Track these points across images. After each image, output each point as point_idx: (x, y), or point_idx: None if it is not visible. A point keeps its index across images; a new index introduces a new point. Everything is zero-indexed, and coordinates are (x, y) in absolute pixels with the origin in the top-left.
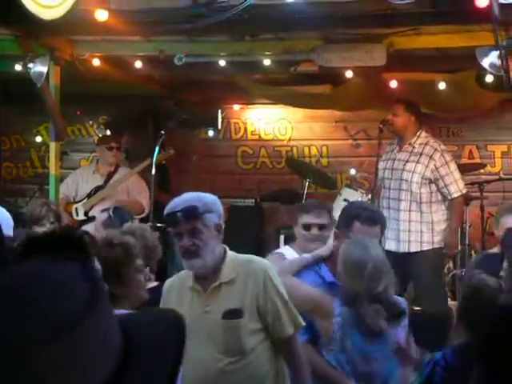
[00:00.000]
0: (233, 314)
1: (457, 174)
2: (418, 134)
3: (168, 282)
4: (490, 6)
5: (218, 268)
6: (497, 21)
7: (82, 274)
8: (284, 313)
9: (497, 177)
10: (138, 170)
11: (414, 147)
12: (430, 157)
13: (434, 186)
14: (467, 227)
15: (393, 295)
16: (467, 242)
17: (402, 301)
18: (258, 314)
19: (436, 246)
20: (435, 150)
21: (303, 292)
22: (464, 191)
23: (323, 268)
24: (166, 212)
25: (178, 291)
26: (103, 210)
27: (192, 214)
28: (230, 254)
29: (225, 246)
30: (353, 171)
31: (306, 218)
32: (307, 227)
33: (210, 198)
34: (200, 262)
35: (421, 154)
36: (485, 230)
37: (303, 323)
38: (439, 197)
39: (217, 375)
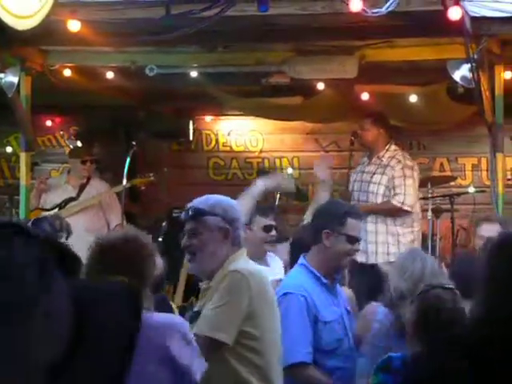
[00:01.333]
0: (193, 318)
1: (409, 190)
2: (387, 147)
3: None
4: (461, 19)
5: (216, 271)
6: (468, 34)
7: (25, 257)
8: (206, 312)
9: (467, 189)
10: (117, 190)
11: (382, 160)
12: (393, 168)
13: None
14: (437, 240)
15: None
16: (437, 254)
17: None
18: None
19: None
20: (399, 161)
21: None
22: (406, 208)
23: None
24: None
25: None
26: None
27: (193, 215)
28: (234, 259)
29: (239, 250)
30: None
31: (266, 221)
32: (268, 229)
33: (218, 200)
34: (196, 264)
35: (386, 166)
36: (455, 243)
37: (220, 339)
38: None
39: None
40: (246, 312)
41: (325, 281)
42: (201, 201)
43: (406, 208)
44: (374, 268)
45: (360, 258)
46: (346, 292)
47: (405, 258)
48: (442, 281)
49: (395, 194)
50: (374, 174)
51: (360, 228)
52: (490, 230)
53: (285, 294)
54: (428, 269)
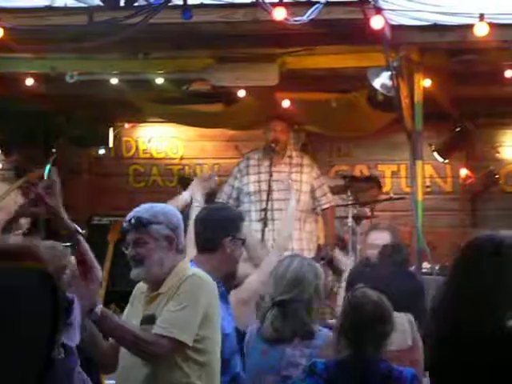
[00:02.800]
0: (147, 320)
1: (327, 188)
2: (290, 147)
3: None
4: (381, 28)
5: (164, 278)
6: (388, 42)
7: None
8: (168, 314)
9: (387, 196)
10: (15, 187)
11: (292, 158)
12: (311, 166)
13: (311, 197)
14: (357, 246)
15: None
16: (358, 258)
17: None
18: None
19: (311, 254)
20: (311, 161)
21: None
22: (333, 203)
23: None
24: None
25: (138, 293)
26: None
27: (138, 224)
28: (183, 266)
29: (184, 257)
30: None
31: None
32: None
33: (162, 209)
34: (141, 271)
35: (301, 165)
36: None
37: (183, 341)
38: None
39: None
40: (202, 314)
41: (222, 288)
42: (143, 210)
43: (334, 204)
44: None
45: None
46: None
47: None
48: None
49: (326, 193)
50: (291, 172)
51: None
52: (378, 238)
53: None
54: (289, 273)
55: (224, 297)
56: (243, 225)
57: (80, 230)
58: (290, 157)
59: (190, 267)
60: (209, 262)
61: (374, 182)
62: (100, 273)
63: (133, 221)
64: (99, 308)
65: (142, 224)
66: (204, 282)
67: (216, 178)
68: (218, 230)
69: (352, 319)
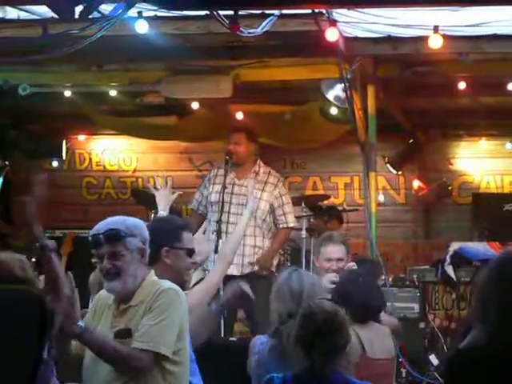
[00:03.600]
0: (122, 334)
1: (292, 207)
2: (258, 162)
3: (99, 293)
4: (336, 40)
5: (134, 291)
6: (342, 54)
7: None
8: (147, 328)
9: (340, 208)
10: None
11: (258, 175)
12: (275, 185)
13: (272, 216)
14: (312, 258)
15: None
16: (311, 271)
17: None
18: None
19: (273, 269)
20: (278, 179)
21: None
22: (296, 224)
23: None
24: (90, 234)
25: (100, 305)
26: None
27: (113, 237)
28: (151, 278)
29: (151, 270)
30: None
31: (192, 242)
32: (191, 253)
33: (133, 221)
34: (119, 284)
35: (266, 183)
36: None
37: (164, 353)
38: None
39: None
40: (178, 327)
41: None
42: (117, 223)
43: (295, 225)
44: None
45: (232, 270)
46: None
47: (281, 281)
48: (324, 295)
49: (285, 214)
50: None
51: (193, 240)
52: (335, 252)
53: None
54: (306, 286)
55: None
56: (188, 235)
57: (53, 246)
58: (256, 173)
59: (157, 280)
60: (155, 274)
61: (335, 215)
62: (66, 289)
63: (107, 233)
64: (82, 322)
65: (118, 237)
66: (178, 296)
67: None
68: (156, 240)
69: (304, 329)
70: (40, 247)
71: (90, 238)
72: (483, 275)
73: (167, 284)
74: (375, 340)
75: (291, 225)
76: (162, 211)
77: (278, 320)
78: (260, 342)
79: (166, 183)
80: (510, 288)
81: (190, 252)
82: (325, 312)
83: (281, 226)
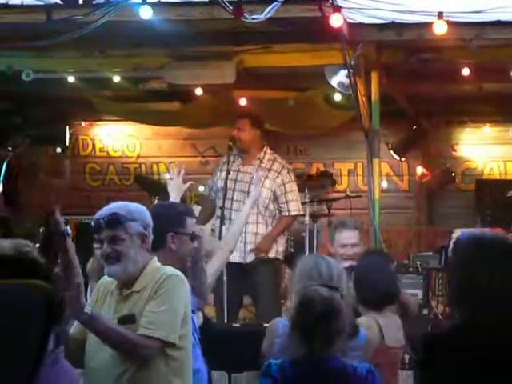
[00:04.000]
0: (126, 319)
1: (297, 195)
2: (265, 149)
3: (101, 280)
4: (340, 26)
5: (136, 277)
6: (345, 40)
7: None
8: (154, 314)
9: (343, 194)
10: None
11: (262, 162)
12: (279, 172)
13: (275, 203)
14: (315, 244)
15: None
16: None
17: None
18: None
19: (279, 256)
20: (283, 166)
21: None
22: (301, 212)
23: None
24: (93, 219)
25: (102, 291)
26: None
27: (114, 221)
28: (153, 264)
29: (153, 256)
30: (201, 188)
31: (195, 227)
32: (194, 238)
33: (135, 206)
34: (119, 268)
35: (269, 170)
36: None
37: (171, 340)
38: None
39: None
40: (183, 314)
41: None
42: (118, 207)
43: (301, 213)
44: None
45: (234, 258)
46: None
47: (307, 264)
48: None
49: (287, 202)
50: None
51: (195, 225)
52: (351, 237)
53: None
54: (335, 271)
55: None
56: (191, 220)
57: (69, 232)
58: (261, 160)
59: (160, 266)
60: (159, 260)
61: (328, 178)
62: (80, 276)
63: (108, 218)
64: (88, 309)
65: (118, 221)
66: (182, 282)
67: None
68: (160, 226)
69: (302, 315)
70: (60, 234)
71: (92, 223)
72: (455, 261)
73: (170, 270)
74: (390, 329)
75: (293, 213)
76: (174, 200)
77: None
78: (282, 325)
79: (179, 172)
80: (486, 273)
81: (193, 237)
82: (322, 298)
83: (283, 213)
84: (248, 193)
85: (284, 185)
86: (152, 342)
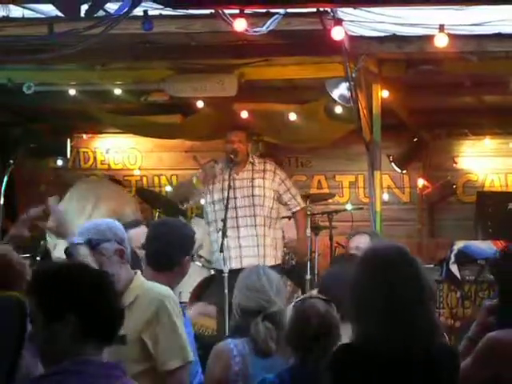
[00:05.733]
0: (119, 340)
1: (295, 190)
2: (251, 155)
3: None
4: (342, 39)
5: (122, 293)
6: (347, 53)
7: None
8: (171, 343)
9: (345, 207)
10: None
11: (254, 165)
12: (274, 172)
13: (277, 203)
14: (316, 256)
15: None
16: (316, 271)
17: None
18: (144, 342)
19: (278, 261)
20: (275, 166)
21: None
22: (303, 205)
23: None
24: (68, 243)
25: None
26: None
27: (89, 247)
28: (139, 279)
29: (136, 270)
30: (203, 201)
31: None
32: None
33: (105, 224)
34: None
35: (264, 171)
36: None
37: (192, 358)
38: (280, 214)
39: None
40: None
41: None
42: (88, 230)
43: (306, 205)
44: None
45: (247, 262)
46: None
47: (248, 276)
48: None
49: (294, 196)
50: (254, 178)
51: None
52: (359, 242)
53: None
54: (274, 284)
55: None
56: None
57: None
58: (253, 163)
59: (145, 281)
60: (166, 280)
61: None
62: None
63: (82, 244)
64: None
65: (91, 246)
66: (175, 303)
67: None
68: (180, 248)
69: (298, 331)
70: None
71: (64, 251)
72: (356, 274)
73: (160, 290)
74: None
75: (303, 205)
76: None
77: (243, 316)
78: (233, 346)
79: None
80: (388, 288)
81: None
82: (319, 316)
83: (294, 209)
84: (252, 196)
85: (284, 182)
86: (181, 370)
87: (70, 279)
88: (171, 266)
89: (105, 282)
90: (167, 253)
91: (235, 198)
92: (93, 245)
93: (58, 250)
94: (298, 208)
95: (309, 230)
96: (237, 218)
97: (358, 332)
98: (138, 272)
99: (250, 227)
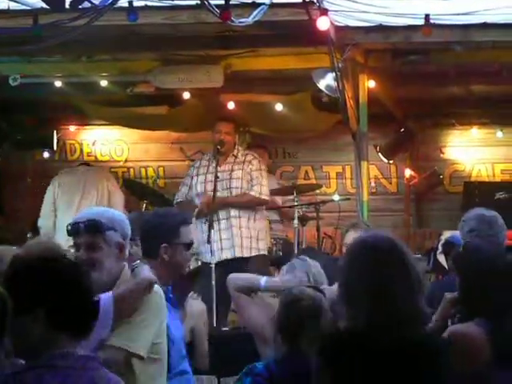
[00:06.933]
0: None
1: (265, 182)
2: (237, 147)
3: None
4: (327, 29)
5: (109, 287)
6: (333, 43)
7: None
8: (129, 328)
9: (332, 197)
10: None
11: (236, 157)
12: (249, 162)
13: None
14: (304, 247)
15: None
16: None
17: None
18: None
19: (262, 252)
20: (254, 157)
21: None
22: (264, 197)
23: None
24: (70, 222)
25: None
26: None
27: (93, 228)
28: (126, 273)
29: (125, 264)
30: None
31: (190, 235)
32: (189, 246)
33: (117, 215)
34: (93, 276)
35: (244, 162)
36: (321, 250)
37: (140, 354)
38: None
39: None
40: (158, 325)
41: (170, 295)
42: (98, 214)
43: (263, 197)
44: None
45: (225, 255)
46: (197, 307)
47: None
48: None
49: (253, 185)
50: (233, 170)
51: (191, 231)
52: (354, 238)
53: None
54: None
55: (171, 302)
56: (186, 229)
57: None
58: (235, 156)
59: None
60: (154, 269)
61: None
62: None
63: (87, 223)
64: None
65: (98, 229)
66: (162, 300)
67: None
68: (154, 237)
69: (289, 317)
70: None
71: (68, 227)
72: (346, 263)
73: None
74: None
75: (263, 197)
76: None
77: None
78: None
79: None
80: (376, 277)
81: (188, 246)
82: (309, 299)
83: (252, 192)
84: (230, 188)
85: (252, 172)
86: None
87: (41, 272)
88: (151, 255)
89: (78, 275)
90: (145, 243)
91: (210, 191)
92: (100, 228)
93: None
94: (252, 193)
95: (296, 221)
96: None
97: (346, 320)
98: (126, 265)
99: (228, 219)
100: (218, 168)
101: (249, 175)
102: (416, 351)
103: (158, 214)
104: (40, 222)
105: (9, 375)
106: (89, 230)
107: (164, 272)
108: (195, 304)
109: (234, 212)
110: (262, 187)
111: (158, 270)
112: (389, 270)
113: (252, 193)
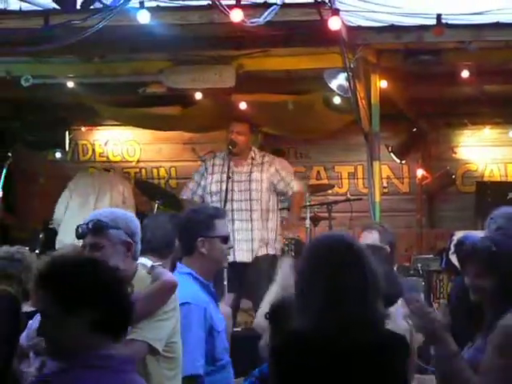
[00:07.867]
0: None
1: (290, 177)
2: (253, 149)
3: None
4: (338, 29)
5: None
6: (344, 43)
7: None
8: (147, 323)
9: (344, 197)
10: None
11: (254, 159)
12: (271, 163)
13: (274, 194)
14: None
15: None
16: None
17: None
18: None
19: (272, 252)
20: (274, 158)
21: None
22: (301, 190)
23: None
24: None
25: None
26: None
27: (96, 228)
28: (141, 272)
29: (140, 263)
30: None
31: (225, 228)
32: (226, 239)
33: (122, 214)
34: None
35: (262, 163)
36: None
37: (157, 347)
38: (277, 205)
39: None
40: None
41: (212, 289)
42: (103, 214)
43: (301, 190)
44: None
45: (241, 257)
46: (224, 309)
47: None
48: None
49: (288, 183)
50: (252, 172)
51: (226, 224)
52: (367, 238)
53: (184, 303)
54: None
55: (214, 297)
56: (220, 222)
57: None
58: (253, 158)
59: (146, 275)
60: (192, 266)
61: None
62: None
63: (91, 224)
64: None
65: (100, 228)
66: (177, 300)
67: None
68: (190, 232)
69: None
70: None
71: (77, 229)
72: (301, 263)
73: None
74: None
75: (296, 188)
76: None
77: None
78: None
79: None
80: (329, 276)
81: (225, 238)
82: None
83: (290, 193)
84: (249, 190)
85: (278, 171)
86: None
87: (87, 273)
88: (187, 251)
89: (118, 276)
90: (180, 241)
91: (232, 190)
92: (103, 228)
93: (58, 241)
94: (291, 192)
95: (308, 221)
96: (232, 211)
97: (301, 319)
98: (140, 265)
99: (246, 221)
100: (235, 169)
101: (275, 176)
102: (371, 351)
103: (191, 210)
104: (55, 224)
105: (47, 375)
106: (92, 231)
107: (204, 267)
108: (221, 306)
109: (255, 215)
110: (296, 183)
111: (196, 266)
112: (343, 272)
113: (298, 189)
